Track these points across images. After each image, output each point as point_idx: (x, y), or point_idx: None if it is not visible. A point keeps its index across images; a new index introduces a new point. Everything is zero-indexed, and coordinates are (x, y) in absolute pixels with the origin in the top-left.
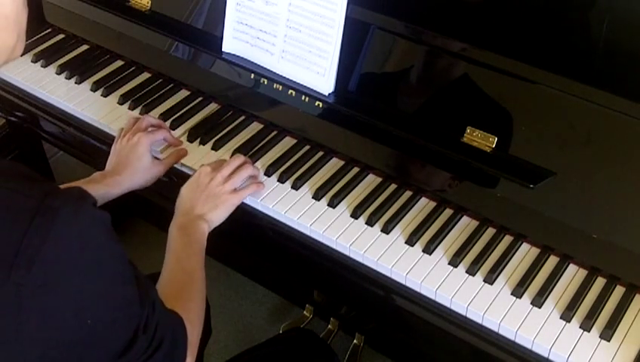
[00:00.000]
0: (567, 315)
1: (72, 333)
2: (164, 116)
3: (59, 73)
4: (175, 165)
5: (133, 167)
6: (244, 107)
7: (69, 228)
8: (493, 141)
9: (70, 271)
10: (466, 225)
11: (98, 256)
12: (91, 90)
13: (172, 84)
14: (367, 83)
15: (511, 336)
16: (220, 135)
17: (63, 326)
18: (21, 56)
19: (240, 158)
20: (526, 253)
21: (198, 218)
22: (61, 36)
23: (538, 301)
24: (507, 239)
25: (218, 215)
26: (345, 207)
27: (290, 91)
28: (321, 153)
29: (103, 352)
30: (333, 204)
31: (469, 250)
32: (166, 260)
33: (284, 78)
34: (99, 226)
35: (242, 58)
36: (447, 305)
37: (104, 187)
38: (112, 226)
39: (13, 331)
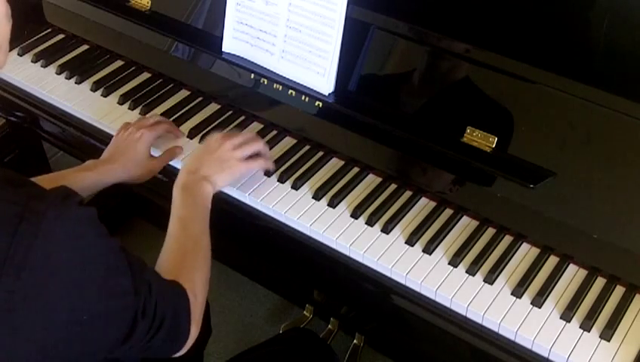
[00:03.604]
0: (567, 315)
1: (69, 330)
2: (163, 116)
3: (59, 73)
4: (174, 165)
5: (128, 158)
6: (244, 107)
7: (56, 231)
8: (493, 141)
9: (61, 272)
10: (466, 225)
11: (88, 254)
12: (91, 90)
13: (172, 84)
14: (367, 83)
15: (511, 336)
16: None
17: (59, 325)
18: (21, 56)
19: (252, 134)
20: (526, 253)
21: (202, 178)
22: (61, 36)
23: (538, 301)
24: (507, 239)
25: (223, 178)
26: (345, 207)
27: (290, 91)
28: (321, 153)
29: (104, 343)
30: (333, 204)
31: (469, 250)
32: (170, 225)
33: (284, 78)
34: (85, 223)
35: (242, 58)
36: (447, 305)
37: (96, 175)
38: (98, 220)
39: (8, 335)
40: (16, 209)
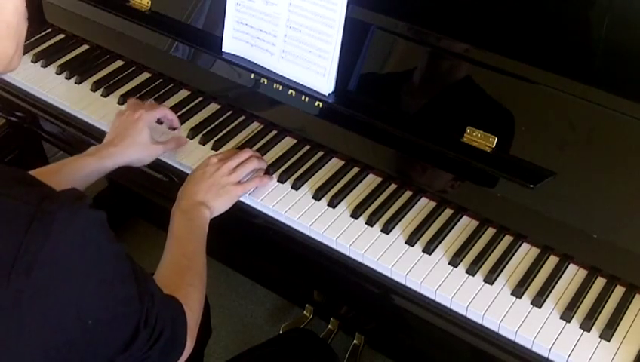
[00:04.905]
0: (567, 315)
1: (73, 334)
2: None
3: (59, 73)
4: (174, 165)
5: (130, 140)
6: (244, 107)
7: (66, 232)
8: (493, 141)
9: (70, 274)
10: (466, 225)
11: (97, 257)
12: (91, 90)
13: (172, 84)
14: (367, 83)
15: (511, 336)
16: (220, 135)
17: (64, 328)
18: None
19: (248, 152)
20: (526, 253)
21: (200, 204)
22: (61, 36)
23: (538, 301)
24: (507, 239)
25: (220, 204)
26: (345, 207)
27: (290, 91)
28: (321, 153)
29: (106, 349)
30: (333, 204)
31: (469, 250)
32: (167, 244)
33: (284, 78)
34: (96, 227)
35: (242, 58)
36: (447, 305)
37: (98, 160)
38: (108, 225)
39: (14, 335)
40: (29, 209)
